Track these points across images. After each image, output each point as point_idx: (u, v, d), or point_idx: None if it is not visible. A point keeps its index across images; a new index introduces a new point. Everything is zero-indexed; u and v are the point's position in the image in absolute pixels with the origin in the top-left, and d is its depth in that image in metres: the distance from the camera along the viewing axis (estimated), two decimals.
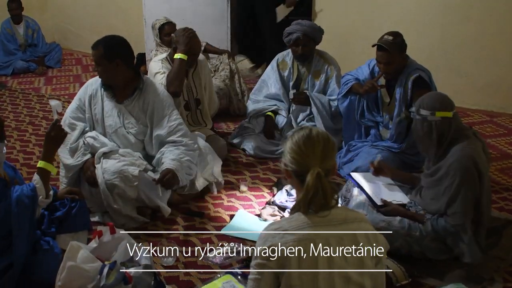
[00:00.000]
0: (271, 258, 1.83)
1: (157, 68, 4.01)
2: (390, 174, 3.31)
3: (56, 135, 2.73)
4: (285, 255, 1.81)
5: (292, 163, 1.92)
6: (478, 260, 2.77)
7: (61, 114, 3.37)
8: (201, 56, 4.34)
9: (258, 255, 1.87)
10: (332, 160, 1.94)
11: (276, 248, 1.82)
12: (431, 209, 2.90)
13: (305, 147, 1.90)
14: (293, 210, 1.93)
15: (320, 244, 1.83)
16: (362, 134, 4.00)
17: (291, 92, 4.43)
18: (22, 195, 2.47)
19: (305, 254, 1.81)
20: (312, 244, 1.82)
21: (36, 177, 2.62)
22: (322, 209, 1.87)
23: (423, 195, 2.98)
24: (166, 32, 4.94)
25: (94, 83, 3.48)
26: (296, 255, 1.81)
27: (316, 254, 1.82)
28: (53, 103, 2.87)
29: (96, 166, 3.25)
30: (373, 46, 3.60)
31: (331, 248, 1.83)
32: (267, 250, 1.84)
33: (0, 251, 2.45)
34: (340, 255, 1.84)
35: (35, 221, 2.56)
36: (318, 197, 1.85)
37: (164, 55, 4.19)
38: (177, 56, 3.88)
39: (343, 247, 1.85)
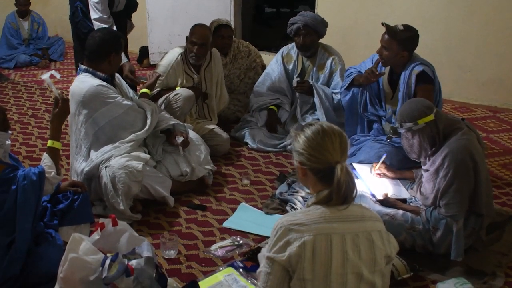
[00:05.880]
0: (284, 252, 1.82)
1: (165, 65, 4.16)
2: (392, 175, 3.34)
3: (60, 110, 2.74)
4: (300, 249, 1.80)
5: (311, 161, 1.91)
6: (460, 257, 2.76)
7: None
8: (216, 52, 4.35)
9: (272, 248, 1.86)
10: (347, 153, 1.96)
11: (291, 242, 1.82)
12: (430, 203, 2.90)
13: (324, 143, 1.90)
14: (315, 204, 1.91)
15: (336, 240, 1.82)
16: (364, 128, 3.99)
17: (295, 80, 4.41)
18: (30, 172, 2.50)
19: (320, 249, 1.81)
20: (328, 240, 1.82)
21: (45, 156, 2.66)
22: (345, 202, 1.87)
23: (422, 190, 2.98)
24: (219, 34, 4.63)
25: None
26: (311, 249, 1.80)
27: (331, 250, 1.81)
28: (45, 76, 2.70)
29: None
30: (382, 24, 3.56)
31: (346, 244, 1.83)
32: (281, 244, 1.83)
33: (7, 232, 2.47)
34: (355, 252, 1.84)
35: (41, 199, 2.58)
36: (349, 190, 1.86)
37: (182, 48, 4.22)
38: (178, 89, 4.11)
39: (358, 244, 1.85)
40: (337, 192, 1.85)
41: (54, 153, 2.69)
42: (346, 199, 1.87)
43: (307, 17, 4.25)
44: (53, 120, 2.74)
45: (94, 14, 4.23)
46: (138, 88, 4.36)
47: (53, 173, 2.60)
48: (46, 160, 2.64)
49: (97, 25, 4.19)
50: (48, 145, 2.71)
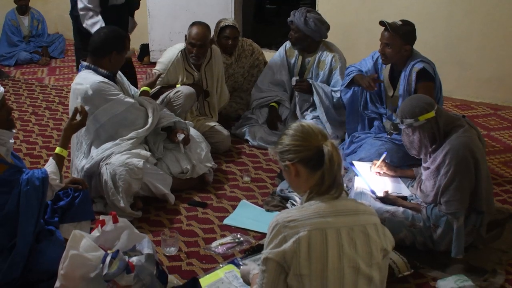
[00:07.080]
0: (280, 249, 1.82)
1: (165, 62, 4.13)
2: (392, 174, 3.34)
3: (78, 123, 2.79)
4: (295, 245, 1.80)
5: (299, 152, 1.92)
6: (460, 254, 2.77)
7: None
8: (216, 49, 4.34)
9: (268, 246, 1.86)
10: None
11: (286, 239, 1.82)
12: (430, 201, 2.90)
13: (306, 132, 1.94)
14: (309, 196, 1.93)
15: (331, 235, 1.83)
16: (365, 126, 3.99)
17: (294, 78, 4.41)
18: (33, 177, 2.50)
19: (315, 244, 1.81)
20: (323, 234, 1.82)
21: (51, 161, 2.66)
22: (335, 183, 1.89)
23: (423, 188, 2.98)
24: (225, 35, 4.56)
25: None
26: (307, 244, 1.81)
27: (326, 244, 1.82)
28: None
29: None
30: (379, 22, 3.56)
31: (342, 238, 1.84)
32: (277, 241, 1.83)
33: (8, 232, 2.46)
34: (351, 246, 1.84)
35: (44, 204, 2.57)
36: (339, 167, 1.89)
37: (183, 45, 4.19)
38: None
39: (353, 238, 1.85)
40: (329, 169, 1.86)
41: (61, 160, 2.70)
42: (336, 178, 1.89)
43: (296, 14, 4.29)
44: (67, 129, 2.77)
45: (80, 4, 4.17)
46: (138, 86, 4.34)
47: (57, 180, 2.60)
48: (51, 166, 2.63)
49: (81, 15, 4.14)
50: (56, 151, 2.70)
